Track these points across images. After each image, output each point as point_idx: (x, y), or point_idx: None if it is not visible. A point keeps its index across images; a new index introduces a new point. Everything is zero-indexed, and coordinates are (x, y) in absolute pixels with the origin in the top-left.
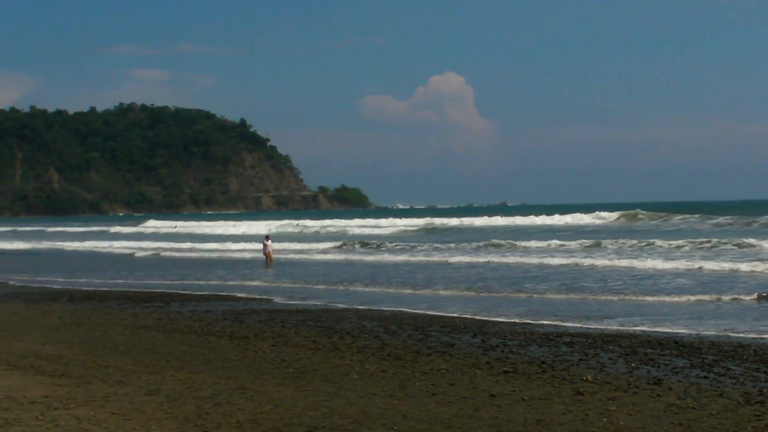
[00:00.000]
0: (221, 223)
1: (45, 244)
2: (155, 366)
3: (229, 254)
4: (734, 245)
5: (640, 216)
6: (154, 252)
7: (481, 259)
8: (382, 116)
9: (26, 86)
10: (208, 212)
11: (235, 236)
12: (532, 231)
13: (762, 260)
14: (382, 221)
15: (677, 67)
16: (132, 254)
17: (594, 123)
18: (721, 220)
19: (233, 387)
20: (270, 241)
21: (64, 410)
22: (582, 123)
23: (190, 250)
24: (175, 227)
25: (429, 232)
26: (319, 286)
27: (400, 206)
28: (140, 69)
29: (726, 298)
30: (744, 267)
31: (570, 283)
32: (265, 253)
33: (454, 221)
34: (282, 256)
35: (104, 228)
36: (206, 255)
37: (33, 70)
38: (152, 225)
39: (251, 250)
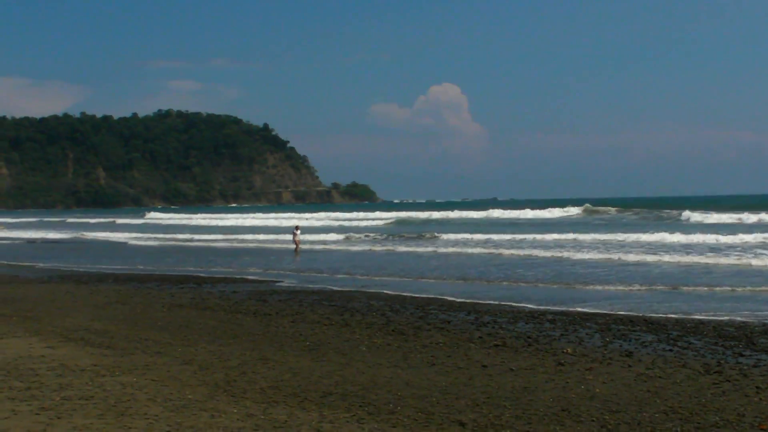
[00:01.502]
0: (238, 215)
1: (90, 235)
2: (189, 339)
3: (251, 244)
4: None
5: (592, 210)
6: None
7: (424, 249)
8: (387, 122)
9: (78, 95)
10: (234, 205)
11: (252, 227)
12: (502, 223)
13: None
14: (370, 214)
15: (643, 80)
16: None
17: (572, 130)
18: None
19: (257, 358)
20: (299, 231)
21: (110, 377)
22: (562, 130)
23: (223, 240)
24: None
25: (400, 224)
26: (323, 274)
27: (408, 201)
28: (176, 80)
29: (656, 287)
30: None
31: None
32: (294, 242)
33: (435, 214)
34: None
35: (142, 220)
36: (237, 245)
37: (84, 81)
38: (193, 216)
39: (263, 240)
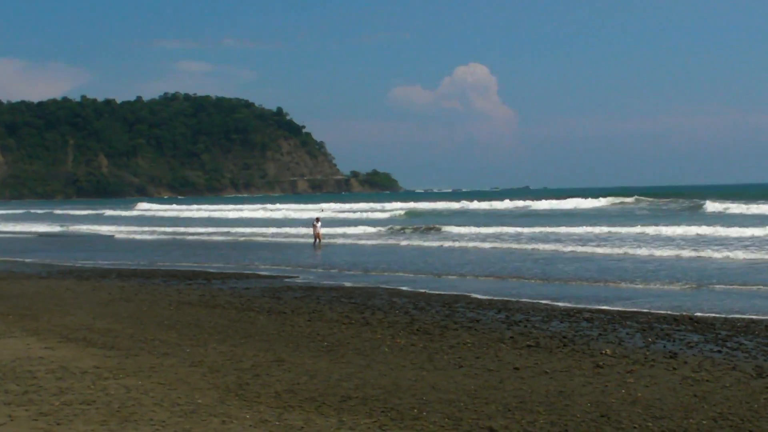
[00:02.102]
0: (244, 206)
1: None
2: (198, 339)
3: (261, 238)
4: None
5: (628, 201)
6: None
7: (449, 244)
8: (410, 106)
9: (78, 78)
10: (246, 195)
11: (255, 220)
12: (533, 214)
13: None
14: (386, 205)
15: (689, 59)
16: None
17: (609, 114)
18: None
19: (271, 359)
20: (320, 223)
21: (113, 380)
22: (599, 114)
23: (225, 234)
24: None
25: (412, 216)
26: (340, 269)
27: (432, 190)
28: (184, 61)
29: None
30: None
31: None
32: (314, 234)
33: (456, 205)
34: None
35: (138, 212)
36: (240, 239)
37: (85, 62)
38: (189, 207)
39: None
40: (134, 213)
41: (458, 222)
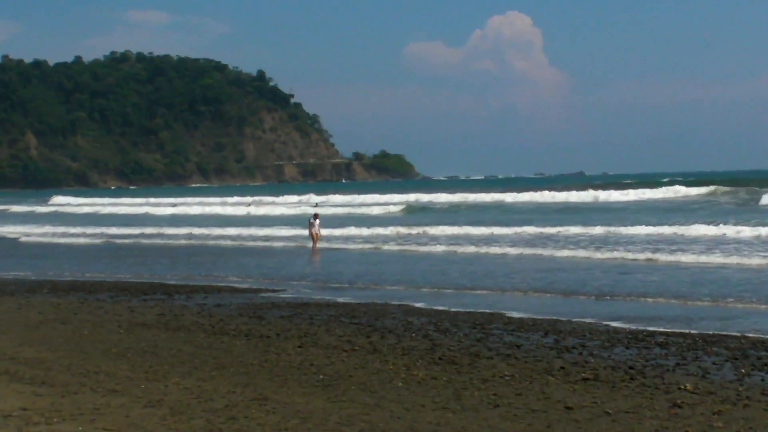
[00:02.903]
0: (208, 198)
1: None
2: (156, 371)
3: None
4: None
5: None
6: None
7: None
8: (430, 68)
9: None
10: (217, 184)
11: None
12: (587, 209)
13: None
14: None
15: None
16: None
17: (691, 78)
18: None
19: (251, 397)
20: (318, 220)
21: (45, 425)
22: (676, 78)
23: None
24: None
25: (412, 213)
26: (338, 282)
27: (457, 177)
28: (137, 10)
29: None
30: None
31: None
32: (310, 234)
33: (485, 197)
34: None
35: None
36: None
37: (8, 14)
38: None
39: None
40: (49, 209)
41: (480, 220)
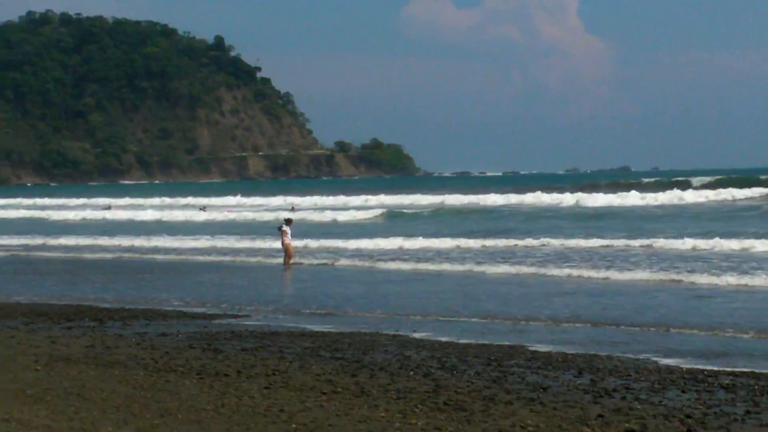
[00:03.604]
0: (147, 199)
1: None
2: (84, 419)
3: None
4: None
5: None
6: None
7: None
8: (435, 34)
9: None
10: (162, 180)
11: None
12: (628, 215)
13: None
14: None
15: None
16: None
17: (753, 44)
18: None
19: None
20: (290, 227)
21: None
22: (754, 46)
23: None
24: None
25: (389, 219)
26: (314, 306)
27: (471, 173)
28: None
29: None
30: None
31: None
32: (282, 246)
33: (497, 199)
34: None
35: None
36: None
37: None
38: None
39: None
40: None
41: (489, 229)
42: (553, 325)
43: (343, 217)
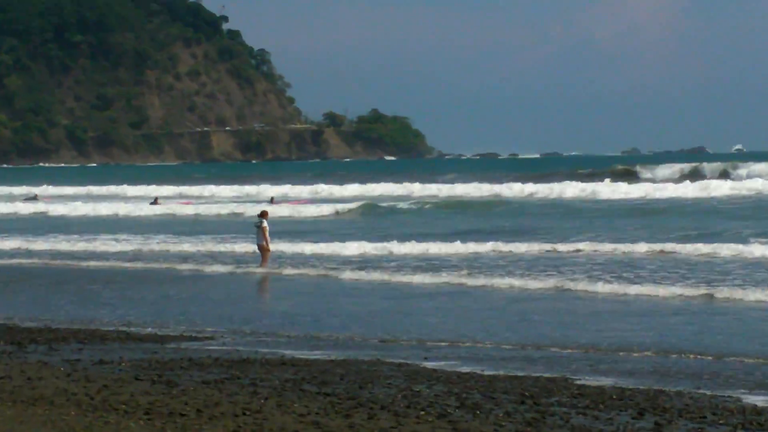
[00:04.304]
0: (77, 187)
1: None
2: None
3: None
4: None
5: None
6: None
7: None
8: None
9: None
10: (99, 162)
11: None
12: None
13: None
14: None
15: None
16: None
17: None
18: None
19: None
20: (266, 221)
21: None
22: None
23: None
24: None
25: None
26: (292, 325)
27: (497, 155)
28: None
29: None
30: None
31: None
32: (259, 245)
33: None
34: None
35: None
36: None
37: None
38: None
39: None
40: None
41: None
42: (603, 353)
43: (311, 211)
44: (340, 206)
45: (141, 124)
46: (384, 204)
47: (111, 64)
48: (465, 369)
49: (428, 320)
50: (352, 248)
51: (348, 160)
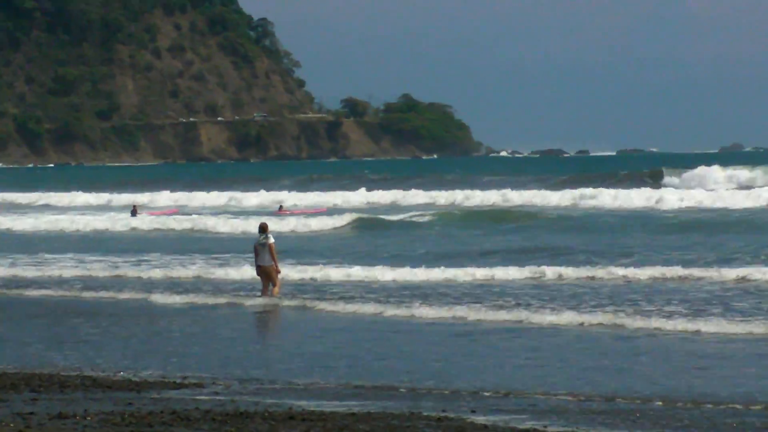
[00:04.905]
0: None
1: None
2: None
3: None
4: None
5: None
6: None
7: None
8: None
9: None
10: (59, 163)
11: None
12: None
13: None
14: None
15: None
16: None
17: None
18: None
19: None
20: (270, 237)
21: None
22: None
23: None
24: None
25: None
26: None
27: (563, 152)
28: None
29: None
30: None
31: None
32: (259, 268)
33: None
34: None
35: None
36: None
37: None
38: None
39: None
40: None
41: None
42: (716, 408)
43: (292, 225)
44: (331, 221)
45: (110, 114)
46: (387, 217)
47: (72, 38)
48: (525, 425)
49: (473, 363)
50: (370, 272)
51: (368, 159)
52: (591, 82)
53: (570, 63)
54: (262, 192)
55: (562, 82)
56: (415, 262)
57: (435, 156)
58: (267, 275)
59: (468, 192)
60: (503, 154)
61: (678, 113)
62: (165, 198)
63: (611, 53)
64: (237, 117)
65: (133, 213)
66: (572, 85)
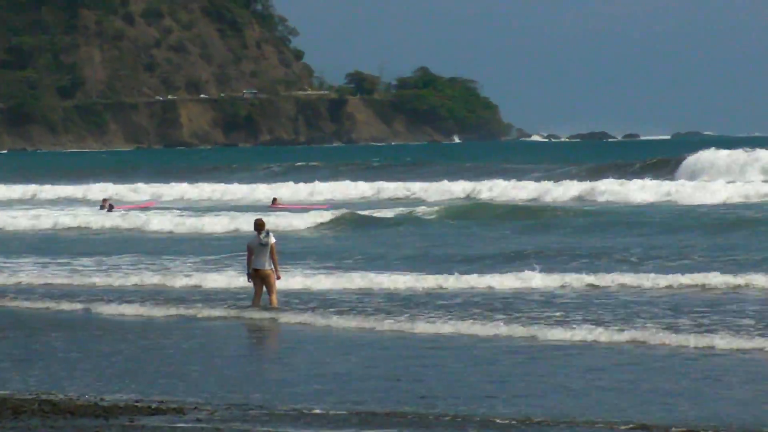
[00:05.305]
0: None
1: None
2: None
3: None
4: None
5: None
6: None
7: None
8: None
9: None
10: (12, 149)
11: None
12: None
13: None
14: None
15: None
16: None
17: None
18: None
19: None
20: (270, 235)
21: None
22: None
23: None
24: None
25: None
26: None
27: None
28: None
29: None
30: None
31: None
32: (249, 272)
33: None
34: None
35: None
36: None
37: None
38: None
39: None
40: None
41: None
42: None
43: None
44: (311, 218)
45: (74, 91)
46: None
47: (29, 1)
48: None
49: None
50: (397, 281)
51: (380, 144)
52: (642, 56)
53: (616, 33)
54: (246, 183)
55: (608, 54)
56: (396, 266)
57: (456, 140)
58: (263, 281)
59: (486, 183)
60: (537, 138)
61: (739, 91)
62: (139, 190)
63: (664, 22)
64: (223, 95)
65: (103, 207)
66: (619, 58)
